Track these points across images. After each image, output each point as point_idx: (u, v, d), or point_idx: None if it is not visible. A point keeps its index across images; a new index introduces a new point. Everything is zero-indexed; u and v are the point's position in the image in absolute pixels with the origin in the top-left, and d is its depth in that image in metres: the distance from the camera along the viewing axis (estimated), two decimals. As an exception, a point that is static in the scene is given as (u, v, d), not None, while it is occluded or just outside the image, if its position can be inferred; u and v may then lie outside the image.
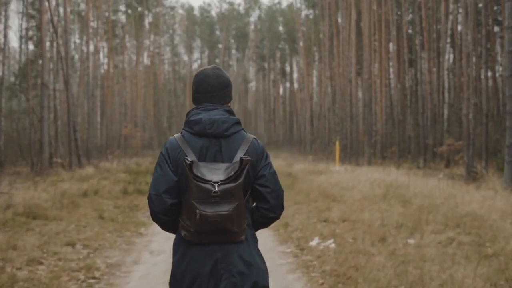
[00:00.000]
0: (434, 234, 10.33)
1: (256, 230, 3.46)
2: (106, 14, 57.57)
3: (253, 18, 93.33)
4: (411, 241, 9.81)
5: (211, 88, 3.38)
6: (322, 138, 58.67)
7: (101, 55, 58.94)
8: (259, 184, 3.33)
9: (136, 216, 14.34)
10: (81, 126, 52.20)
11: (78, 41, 62.06)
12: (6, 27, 40.55)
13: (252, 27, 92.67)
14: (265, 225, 3.49)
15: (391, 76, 49.16)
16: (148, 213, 15.57)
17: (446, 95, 37.80)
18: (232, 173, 3.10)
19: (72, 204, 15.20)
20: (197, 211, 3.03)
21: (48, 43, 39.58)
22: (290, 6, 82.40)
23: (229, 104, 3.49)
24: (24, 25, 41.94)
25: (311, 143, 63.64)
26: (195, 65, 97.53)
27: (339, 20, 51.50)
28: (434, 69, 39.48)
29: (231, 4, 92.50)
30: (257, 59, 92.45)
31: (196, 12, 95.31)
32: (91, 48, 53.38)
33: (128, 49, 71.43)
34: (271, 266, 8.60)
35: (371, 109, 42.49)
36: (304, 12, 74.59)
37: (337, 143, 34.78)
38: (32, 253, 9.07)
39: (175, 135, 3.34)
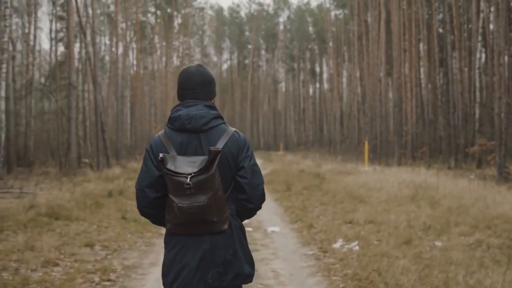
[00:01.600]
0: (463, 236, 9.99)
1: (242, 220, 3.53)
2: (135, 15, 57.65)
3: (282, 18, 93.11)
4: (438, 243, 9.48)
5: (194, 85, 3.51)
6: (352, 138, 58.15)
7: (130, 56, 59.08)
8: (238, 175, 3.43)
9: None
10: (110, 126, 52.46)
11: (108, 42, 62.41)
12: (36, 28, 40.89)
13: (281, 27, 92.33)
14: (246, 216, 3.56)
15: (422, 75, 48.51)
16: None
17: (478, 94, 37.05)
18: (204, 165, 3.19)
19: (96, 204, 15.10)
20: (174, 204, 3.17)
21: (78, 44, 39.84)
22: (319, 6, 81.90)
23: (213, 100, 3.60)
24: (54, 27, 42.28)
25: (340, 143, 63.13)
26: (225, 66, 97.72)
27: (368, 19, 51.00)
28: (466, 69, 38.79)
29: (260, 4, 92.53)
30: (287, 60, 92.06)
31: (226, 12, 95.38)
32: (120, 49, 53.59)
33: (158, 50, 71.60)
34: (291, 269, 8.41)
35: (401, 109, 41.97)
36: (333, 12, 74.09)
37: (366, 143, 34.31)
38: (49, 254, 8.93)
39: (159, 132, 3.49)
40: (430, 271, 7.36)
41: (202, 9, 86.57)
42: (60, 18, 40.15)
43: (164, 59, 73.66)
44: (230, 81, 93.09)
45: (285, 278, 7.78)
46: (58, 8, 40.65)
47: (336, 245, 9.63)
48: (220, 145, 3.35)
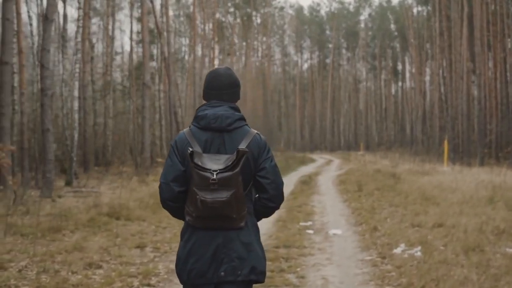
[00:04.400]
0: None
1: (258, 219, 3.69)
2: (216, 15, 57.87)
3: (363, 16, 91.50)
4: (510, 250, 8.70)
5: (221, 86, 3.66)
6: (433, 137, 56.50)
7: (209, 56, 59.29)
8: (260, 175, 3.56)
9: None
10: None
11: (187, 43, 62.95)
12: (114, 30, 41.52)
13: (362, 25, 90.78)
14: (266, 214, 3.72)
15: (508, 72, 46.50)
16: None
17: None
18: (230, 163, 3.35)
19: (158, 204, 14.85)
20: (197, 197, 3.32)
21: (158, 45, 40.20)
22: (401, 2, 79.99)
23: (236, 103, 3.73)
24: (135, 28, 42.89)
25: (422, 143, 61.47)
26: (305, 66, 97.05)
27: (451, 15, 49.37)
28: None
29: (341, 2, 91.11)
30: (368, 58, 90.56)
31: (306, 11, 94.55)
32: (200, 49, 53.93)
33: (237, 51, 71.79)
34: (343, 276, 7.83)
35: (485, 107, 40.33)
36: (415, 9, 72.24)
37: (446, 143, 33.04)
38: (95, 255, 8.69)
39: (184, 129, 3.65)
40: (496, 282, 6.67)
41: (282, 8, 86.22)
42: (139, 20, 40.61)
43: (243, 59, 73.86)
44: (310, 81, 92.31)
45: (334, 287, 7.23)
46: (139, 10, 41.16)
47: (397, 251, 8.98)
48: (243, 145, 3.47)
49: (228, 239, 3.42)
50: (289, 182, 24.03)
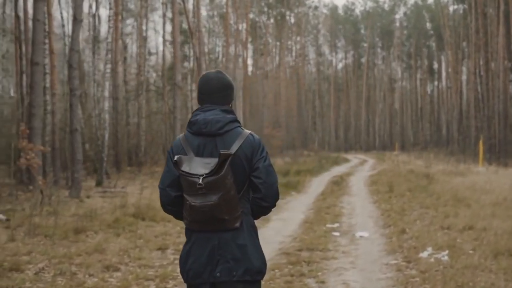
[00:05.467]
0: None
1: (255, 218, 3.70)
2: (246, 16, 57.72)
3: (398, 15, 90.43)
4: (542, 255, 8.37)
5: (212, 90, 3.69)
6: (469, 137, 55.59)
7: (243, 56, 59.18)
8: (253, 175, 3.57)
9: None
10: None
11: (221, 43, 62.93)
12: (147, 30, 41.66)
13: (397, 24, 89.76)
14: (261, 213, 3.71)
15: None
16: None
17: None
18: (214, 167, 3.37)
19: (185, 205, 14.75)
20: (187, 202, 3.42)
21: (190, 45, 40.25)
22: (437, 1, 78.91)
23: (230, 105, 3.76)
24: (169, 29, 42.96)
25: (458, 142, 60.56)
26: (340, 65, 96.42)
27: (487, 13, 48.53)
28: None
29: (376, 1, 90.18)
30: (403, 57, 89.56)
31: (340, 11, 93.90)
32: (232, 49, 53.85)
33: (271, 50, 71.57)
34: (365, 281, 7.57)
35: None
36: (451, 7, 71.22)
37: (481, 143, 32.44)
38: (114, 258, 8.59)
39: (180, 135, 3.72)
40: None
41: (316, 8, 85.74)
42: (172, 20, 40.67)
43: (277, 59, 73.61)
44: (345, 80, 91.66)
45: (355, 292, 7.01)
46: (169, 10, 41.25)
47: (424, 254, 8.70)
48: (235, 147, 3.51)
49: (223, 240, 3.48)
50: (320, 183, 23.80)
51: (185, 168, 3.42)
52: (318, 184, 23.58)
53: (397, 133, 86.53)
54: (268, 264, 8.44)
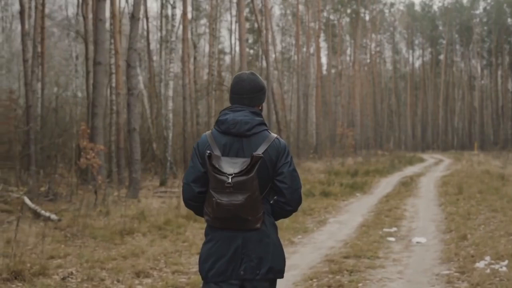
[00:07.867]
0: None
1: (276, 220, 3.75)
2: (318, 13, 57.08)
3: (478, 10, 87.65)
4: None
5: (243, 91, 3.72)
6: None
7: (316, 54, 58.56)
8: (278, 180, 3.63)
9: (303, 222, 13.08)
10: (295, 125, 52.41)
11: (294, 41, 62.49)
12: (218, 29, 41.63)
13: (477, 20, 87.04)
14: (283, 216, 3.79)
15: None
16: (319, 218, 14.41)
17: None
18: (245, 167, 3.44)
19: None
20: (213, 199, 3.45)
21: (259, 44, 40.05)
22: (519, -5, 76.24)
23: (260, 107, 3.79)
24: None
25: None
26: (417, 63, 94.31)
27: None
28: None
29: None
30: (483, 54, 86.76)
31: (417, 7, 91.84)
32: (304, 47, 53.38)
33: (345, 48, 70.64)
34: (409, 293, 6.99)
35: None
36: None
37: None
38: (149, 262, 8.26)
39: (206, 132, 3.73)
40: None
41: (392, 5, 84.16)
42: (246, 19, 40.55)
43: (351, 57, 72.61)
44: (422, 78, 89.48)
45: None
46: (246, 10, 41.13)
47: (480, 264, 8.00)
48: (261, 150, 3.56)
49: (247, 240, 3.53)
50: (388, 184, 23.03)
51: (215, 164, 3.47)
52: (385, 185, 22.79)
53: (477, 132, 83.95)
54: (308, 272, 8.03)
